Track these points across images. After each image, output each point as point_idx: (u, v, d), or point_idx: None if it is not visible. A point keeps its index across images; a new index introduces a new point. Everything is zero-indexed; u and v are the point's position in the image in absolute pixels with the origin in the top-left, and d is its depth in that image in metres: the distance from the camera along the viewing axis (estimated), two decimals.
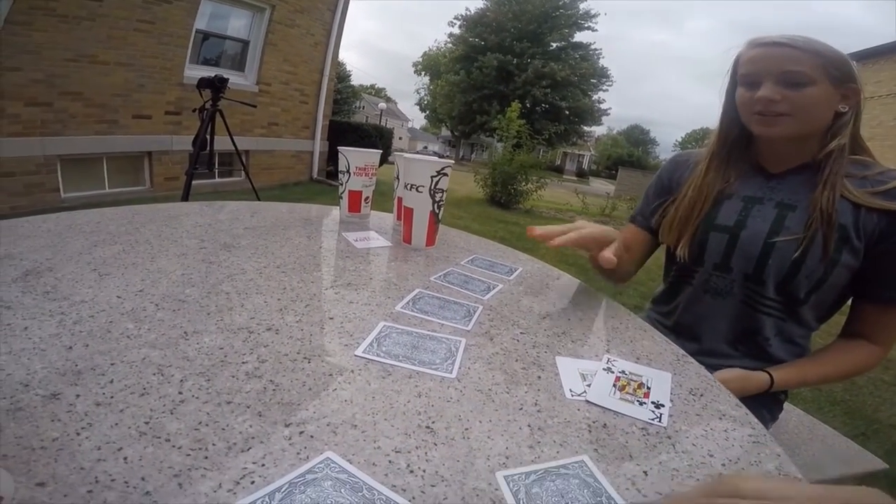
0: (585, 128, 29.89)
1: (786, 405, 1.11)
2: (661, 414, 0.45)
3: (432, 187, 0.83)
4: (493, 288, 0.71)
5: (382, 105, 31.47)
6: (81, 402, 0.35)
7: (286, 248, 0.79)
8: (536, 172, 7.64)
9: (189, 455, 0.31)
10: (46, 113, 4.01)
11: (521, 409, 0.42)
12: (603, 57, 27.68)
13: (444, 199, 0.86)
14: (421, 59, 35.59)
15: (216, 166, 5.84)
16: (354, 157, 0.97)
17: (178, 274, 0.62)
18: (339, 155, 0.97)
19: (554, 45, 26.82)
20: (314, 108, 7.14)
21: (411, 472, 0.33)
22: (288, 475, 0.31)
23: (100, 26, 4.11)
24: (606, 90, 28.57)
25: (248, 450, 0.33)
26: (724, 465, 0.39)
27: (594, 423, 0.42)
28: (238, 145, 3.42)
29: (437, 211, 0.86)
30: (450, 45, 30.18)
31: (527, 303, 0.68)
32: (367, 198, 1.03)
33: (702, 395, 0.50)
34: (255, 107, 4.16)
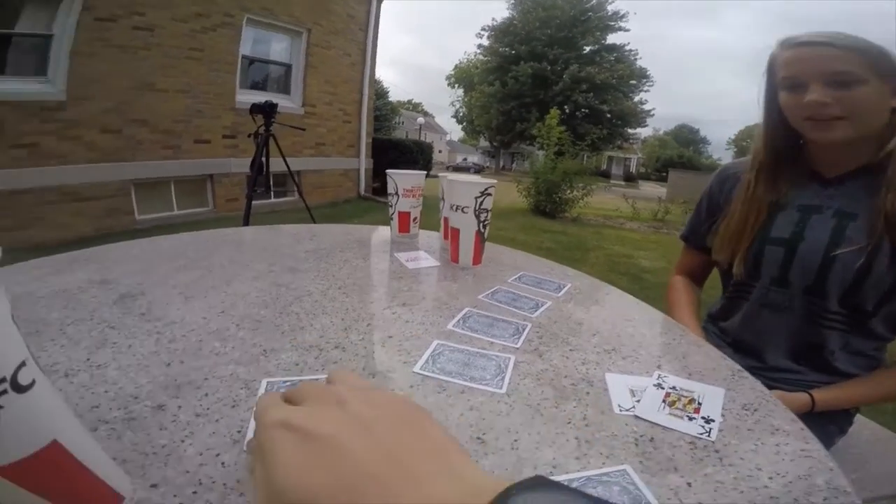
0: (630, 130, 29.11)
1: (860, 417, 1.03)
2: (710, 429, 0.45)
3: (477, 208, 0.86)
4: (542, 305, 0.73)
5: (421, 120, 32.09)
6: (183, 413, 0.41)
7: (345, 269, 0.85)
8: (581, 179, 7.51)
9: None
10: (118, 140, 4.37)
11: (569, 422, 0.44)
12: (640, 58, 27.13)
13: (489, 218, 0.89)
14: (453, 72, 36.01)
15: (272, 188, 6.20)
16: (402, 180, 1.03)
17: (252, 296, 0.69)
18: (388, 178, 1.03)
19: (587, 48, 26.50)
20: (357, 126, 7.42)
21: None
22: None
23: (155, 55, 4.45)
24: (648, 90, 27.87)
25: None
26: (770, 478, 0.39)
27: (641, 436, 0.43)
28: (290, 166, 3.61)
29: (482, 230, 0.89)
30: (480, 56, 30.43)
31: (576, 319, 0.70)
32: (415, 218, 1.09)
33: (755, 411, 0.50)
34: (304, 130, 4.36)
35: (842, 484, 0.39)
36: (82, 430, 0.30)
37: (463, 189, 0.86)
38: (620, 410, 0.47)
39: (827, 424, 0.77)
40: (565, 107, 24.48)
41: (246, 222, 2.91)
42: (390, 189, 1.05)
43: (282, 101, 5.80)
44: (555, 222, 7.17)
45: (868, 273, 0.67)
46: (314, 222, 2.80)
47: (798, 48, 0.69)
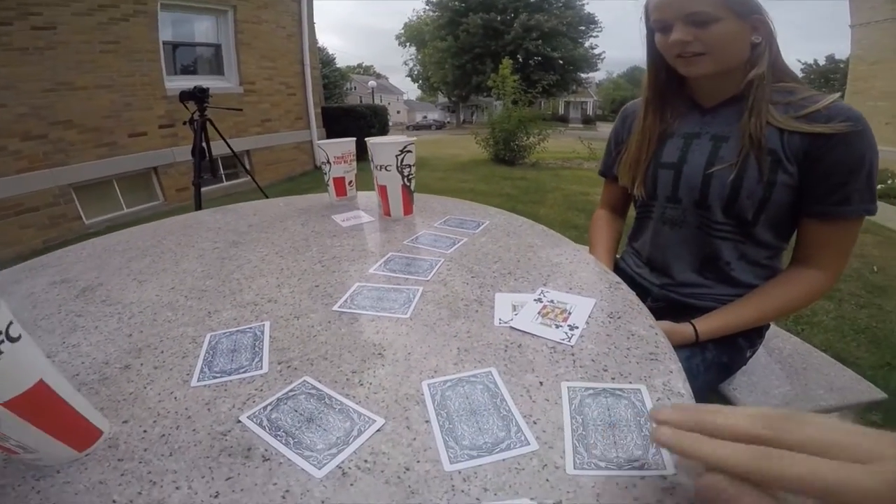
0: (582, 75, 29.09)
1: (782, 333, 1.12)
2: (572, 335, 0.51)
3: (399, 165, 0.95)
4: (458, 242, 0.83)
5: (373, 83, 31.00)
6: (144, 368, 0.51)
7: (283, 236, 0.93)
8: (537, 125, 7.57)
9: (215, 390, 0.47)
10: (45, 145, 4.13)
11: (455, 336, 0.54)
12: (587, 3, 26.78)
13: (413, 172, 0.98)
14: (403, 31, 34.55)
15: (221, 171, 6.00)
16: (332, 148, 1.09)
17: (199, 271, 0.77)
18: (317, 149, 1.09)
19: None
20: (303, 98, 7.17)
21: (361, 384, 0.47)
22: (276, 395, 0.45)
23: (64, 53, 4.16)
24: (597, 36, 27.91)
25: (252, 381, 0.48)
26: (613, 378, 0.45)
27: (511, 343, 0.52)
28: (236, 147, 3.53)
29: (408, 184, 0.98)
30: (430, 12, 29.27)
31: (485, 251, 0.80)
32: (350, 182, 1.16)
33: (619, 318, 0.57)
34: (240, 110, 4.22)
35: (677, 386, 0.44)
36: (62, 377, 0.39)
37: (384, 149, 0.95)
38: (500, 323, 0.55)
39: (736, 338, 0.86)
40: (518, 56, 24.11)
41: (198, 209, 2.88)
42: (321, 158, 1.11)
43: (217, 83, 5.53)
44: (515, 169, 7.27)
45: (740, 186, 0.77)
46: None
47: None
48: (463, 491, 0.34)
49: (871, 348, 1.92)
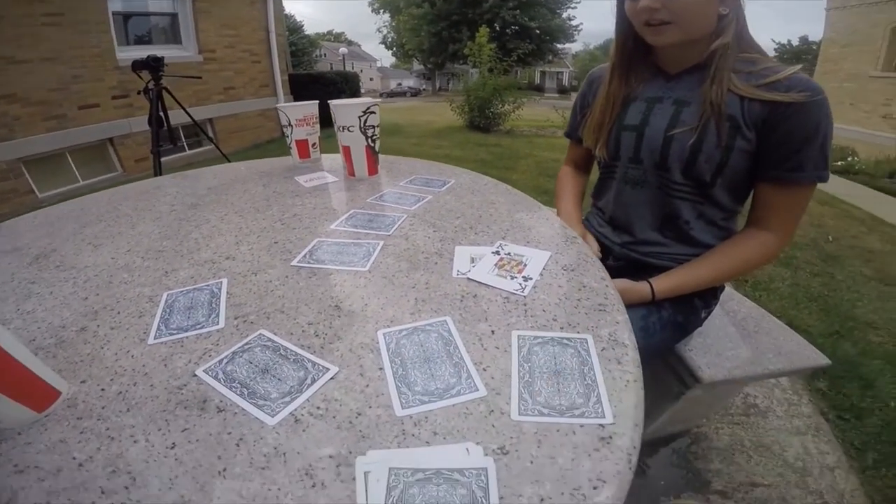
0: (559, 45, 28.74)
1: (738, 296, 1.15)
2: (526, 286, 0.53)
3: (362, 126, 0.93)
4: (423, 199, 0.83)
5: (343, 50, 29.80)
6: (101, 329, 0.50)
7: (244, 197, 0.91)
8: (511, 94, 7.50)
9: (171, 346, 0.47)
10: None
11: (413, 287, 0.55)
12: None
13: (377, 133, 0.96)
14: None
15: (183, 139, 5.76)
16: (293, 111, 1.06)
17: (156, 233, 0.74)
18: (279, 112, 1.06)
19: None
20: (269, 65, 6.90)
21: (317, 336, 0.47)
22: (232, 348, 0.46)
23: (1, 28, 3.91)
24: (575, 7, 27.51)
25: (209, 337, 0.48)
26: (562, 328, 0.46)
27: (467, 294, 0.53)
28: (198, 115, 3.40)
29: (371, 145, 0.96)
30: None
31: (448, 208, 0.80)
32: (314, 144, 1.13)
33: (573, 271, 0.58)
34: (199, 78, 4.05)
35: (622, 337, 0.46)
36: (16, 340, 0.39)
37: (346, 111, 0.93)
38: (458, 274, 0.57)
39: (692, 299, 0.90)
40: (495, 24, 23.53)
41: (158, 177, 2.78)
42: (283, 121, 1.08)
43: (173, 52, 5.25)
44: (489, 136, 7.22)
45: (699, 150, 0.79)
46: None
47: None
48: (413, 435, 0.35)
49: (822, 316, 1.97)
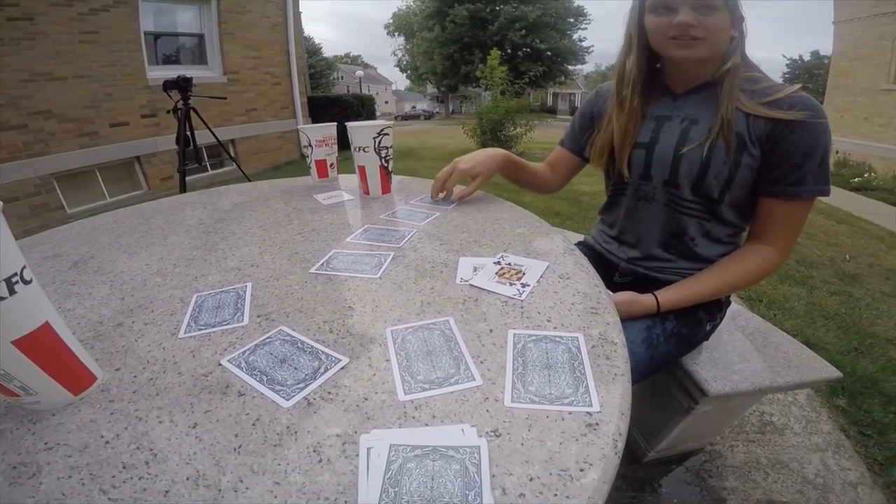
0: (570, 67, 29.09)
1: (746, 312, 1.17)
2: (524, 292, 0.57)
3: (376, 146, 1.00)
4: (432, 216, 0.88)
5: (360, 73, 30.66)
6: (136, 325, 0.56)
7: (266, 212, 0.98)
8: (523, 116, 7.61)
9: (199, 340, 0.52)
10: (25, 135, 4.07)
11: (420, 292, 0.60)
12: None
13: (390, 154, 1.03)
14: (392, 21, 34.16)
15: (206, 160, 5.96)
16: (313, 133, 1.14)
17: (186, 243, 0.81)
18: (300, 133, 1.13)
19: None
20: (289, 87, 7.13)
21: (331, 332, 0.52)
22: (255, 342, 0.51)
23: (42, 44, 4.10)
24: (586, 28, 27.89)
25: (234, 332, 0.53)
26: (556, 328, 0.50)
27: (469, 298, 0.57)
28: (220, 136, 3.52)
29: (385, 165, 1.03)
30: (418, 1, 29.01)
31: (456, 223, 0.85)
32: (331, 164, 1.20)
33: (569, 279, 0.62)
34: (225, 98, 4.18)
35: (612, 336, 0.48)
36: (64, 322, 0.44)
37: (362, 132, 1.00)
38: (461, 281, 0.61)
39: (697, 311, 0.92)
40: (505, 46, 24.03)
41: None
42: (304, 142, 1.15)
43: (200, 73, 5.48)
44: None
45: (708, 166, 0.82)
46: None
47: None
48: (414, 417, 0.39)
49: (840, 334, 1.94)
